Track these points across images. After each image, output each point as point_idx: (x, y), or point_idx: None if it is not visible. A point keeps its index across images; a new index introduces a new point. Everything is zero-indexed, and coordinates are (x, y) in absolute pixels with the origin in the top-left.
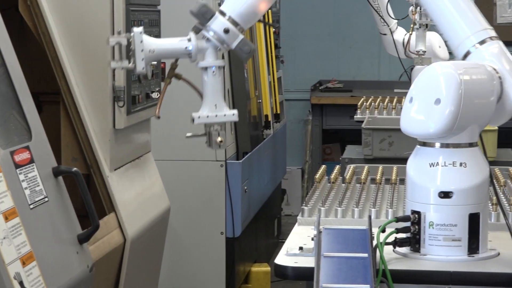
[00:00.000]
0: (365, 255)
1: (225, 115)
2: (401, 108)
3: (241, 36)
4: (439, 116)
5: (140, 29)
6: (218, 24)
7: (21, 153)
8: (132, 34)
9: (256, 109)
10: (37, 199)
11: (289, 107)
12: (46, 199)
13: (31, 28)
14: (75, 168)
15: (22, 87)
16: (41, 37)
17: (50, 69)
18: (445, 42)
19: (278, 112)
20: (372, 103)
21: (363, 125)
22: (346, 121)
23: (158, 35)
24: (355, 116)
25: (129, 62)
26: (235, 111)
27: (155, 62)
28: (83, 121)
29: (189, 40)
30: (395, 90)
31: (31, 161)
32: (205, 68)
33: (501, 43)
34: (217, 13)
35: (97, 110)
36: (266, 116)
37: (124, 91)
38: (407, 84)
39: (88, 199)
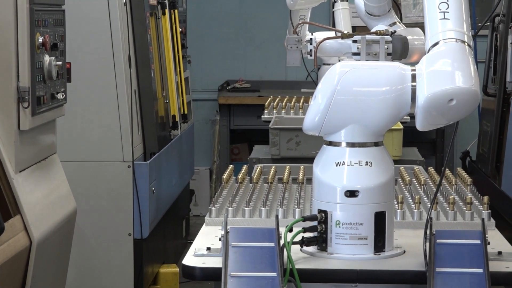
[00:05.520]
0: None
1: None
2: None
3: None
4: (310, 112)
5: None
6: None
7: None
8: None
9: (163, 109)
10: None
11: (197, 107)
12: None
13: None
14: None
15: None
16: None
17: None
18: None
19: (186, 112)
20: (280, 103)
21: (270, 125)
22: (253, 121)
23: (63, 35)
24: (262, 116)
25: None
26: None
27: (60, 63)
28: None
29: None
30: (302, 90)
31: None
32: None
33: (461, 46)
34: None
35: (1, 111)
36: (174, 116)
37: (28, 92)
38: (314, 84)
39: None
